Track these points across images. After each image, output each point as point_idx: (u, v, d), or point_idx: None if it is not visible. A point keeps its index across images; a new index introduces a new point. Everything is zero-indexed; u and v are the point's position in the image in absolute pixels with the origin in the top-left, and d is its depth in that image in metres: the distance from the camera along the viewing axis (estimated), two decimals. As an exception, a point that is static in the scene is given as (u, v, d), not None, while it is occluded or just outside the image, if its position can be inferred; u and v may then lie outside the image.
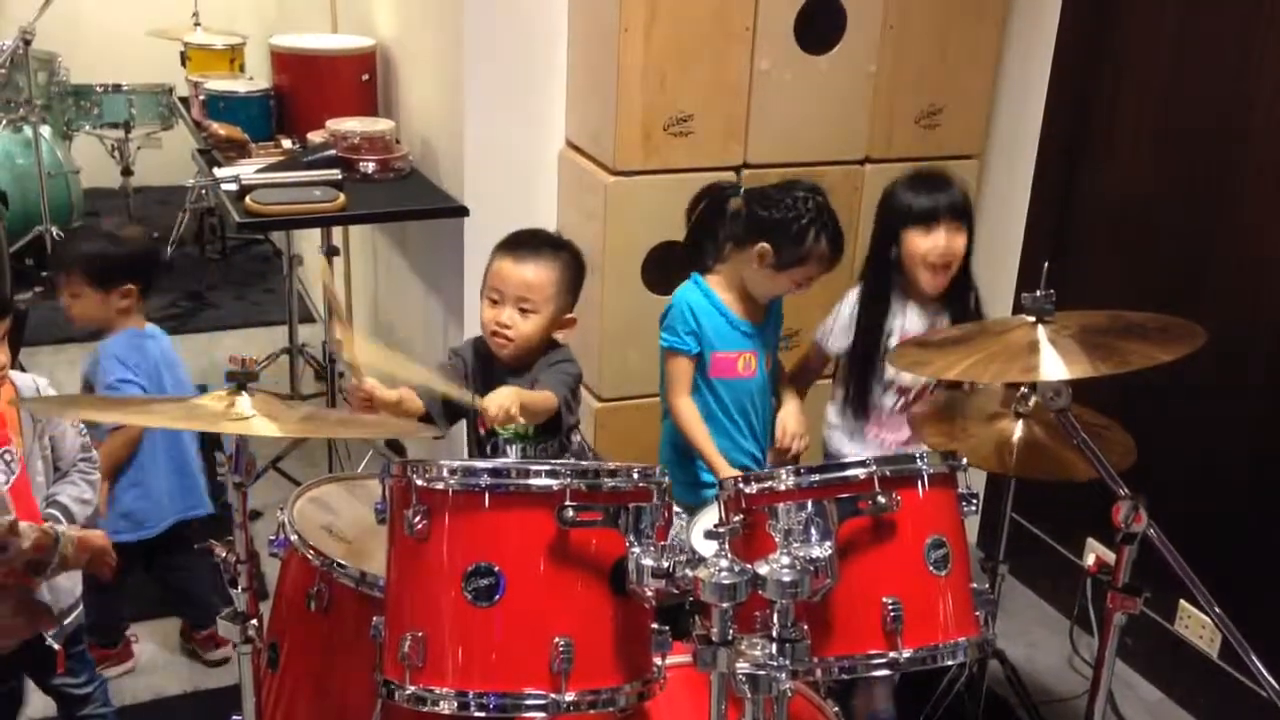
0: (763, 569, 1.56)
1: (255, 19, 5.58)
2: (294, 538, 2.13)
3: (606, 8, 2.94)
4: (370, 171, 3.48)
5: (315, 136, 3.63)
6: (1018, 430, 2.43)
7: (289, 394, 4.34)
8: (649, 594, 1.64)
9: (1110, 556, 2.06)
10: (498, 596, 1.63)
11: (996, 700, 2.97)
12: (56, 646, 2.30)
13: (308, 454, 3.87)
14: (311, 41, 4.01)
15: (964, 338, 2.11)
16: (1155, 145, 3.07)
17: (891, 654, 1.75)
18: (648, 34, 2.92)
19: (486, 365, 2.52)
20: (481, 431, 2.51)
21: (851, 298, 2.78)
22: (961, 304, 2.73)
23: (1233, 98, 2.84)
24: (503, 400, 2.29)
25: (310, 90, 3.83)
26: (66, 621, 2.33)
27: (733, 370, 2.67)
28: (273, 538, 2.20)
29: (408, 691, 1.65)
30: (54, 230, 5.09)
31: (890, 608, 1.74)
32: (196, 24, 5.17)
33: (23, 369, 2.54)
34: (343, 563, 2.04)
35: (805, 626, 1.62)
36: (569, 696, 1.62)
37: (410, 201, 3.40)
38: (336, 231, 4.02)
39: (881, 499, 1.74)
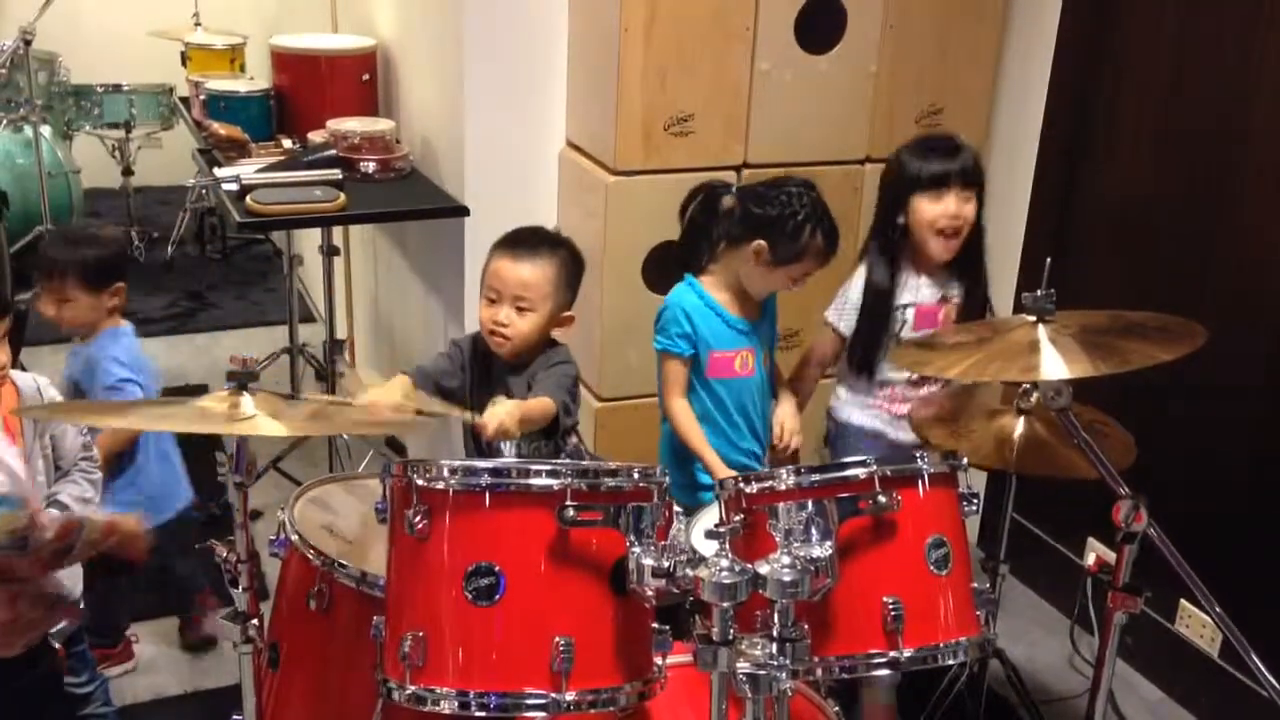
0: (763, 569, 1.56)
1: (255, 19, 5.58)
2: (294, 537, 2.13)
3: (606, 8, 2.95)
4: (370, 171, 3.48)
5: (315, 136, 3.63)
6: (1019, 426, 2.44)
7: (290, 394, 4.34)
8: (649, 594, 1.64)
9: (1111, 556, 2.06)
10: (498, 596, 1.63)
11: (997, 700, 2.97)
12: (56, 646, 2.29)
13: (308, 454, 3.88)
14: (312, 41, 4.01)
15: (964, 340, 2.11)
16: (1155, 145, 3.07)
17: (892, 653, 1.76)
18: (648, 34, 2.92)
19: (485, 361, 2.53)
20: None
21: (860, 277, 2.76)
22: (974, 273, 2.72)
23: (1233, 98, 2.84)
24: (501, 418, 2.29)
25: (310, 90, 3.83)
26: (65, 622, 2.33)
27: (730, 369, 2.67)
28: (273, 538, 2.20)
29: (408, 691, 1.65)
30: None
31: (891, 607, 1.74)
32: (197, 24, 5.18)
33: (23, 368, 2.54)
34: (343, 562, 2.04)
35: (806, 626, 1.62)
36: (569, 696, 1.62)
37: (410, 201, 3.40)
38: (337, 231, 4.03)
39: (882, 498, 1.74)
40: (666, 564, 1.61)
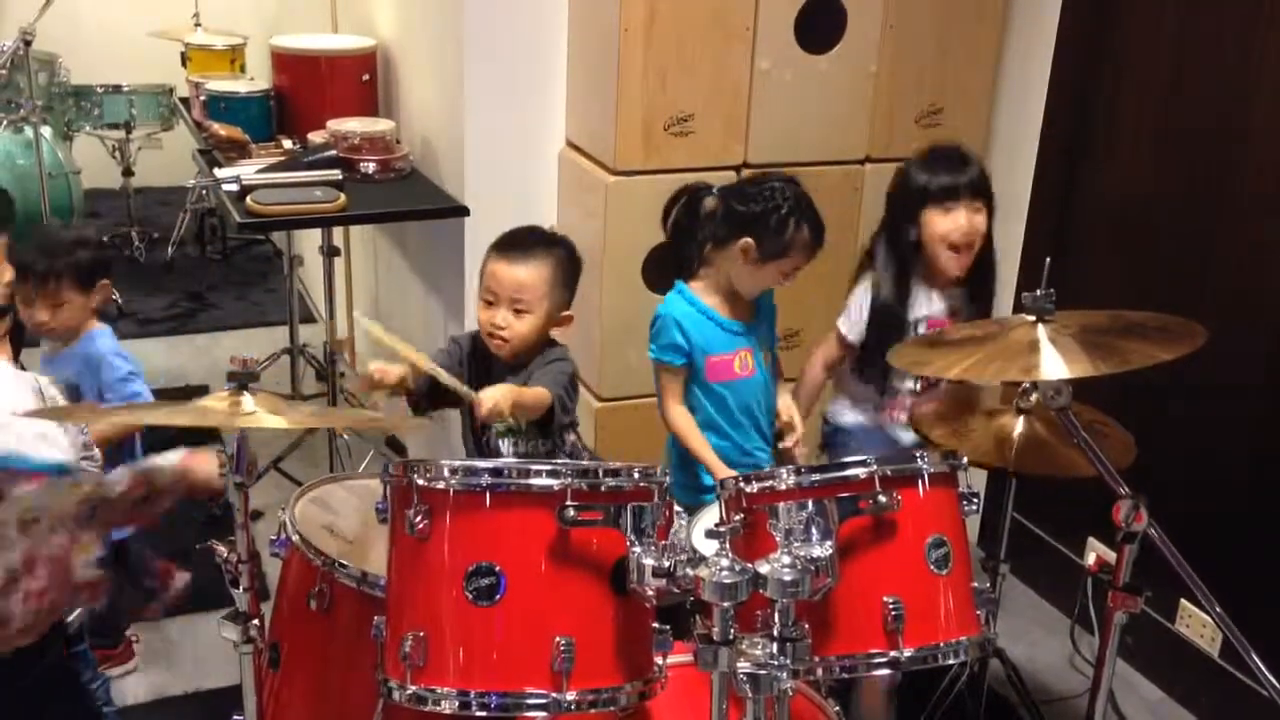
0: (764, 568, 1.56)
1: (255, 19, 5.58)
2: (295, 538, 2.13)
3: (606, 8, 2.95)
4: (371, 172, 3.48)
5: (316, 137, 3.63)
6: (1019, 426, 2.44)
7: (290, 394, 4.34)
8: (650, 593, 1.64)
9: (1111, 556, 2.07)
10: (499, 596, 1.63)
11: (997, 699, 2.97)
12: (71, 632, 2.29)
13: (308, 454, 3.88)
14: (312, 42, 4.01)
15: (964, 339, 2.11)
16: (1155, 145, 3.07)
17: (892, 653, 1.75)
18: (648, 34, 2.93)
19: (484, 361, 2.53)
20: (476, 424, 2.52)
21: (868, 288, 2.76)
22: (983, 282, 2.72)
23: (1233, 97, 2.84)
24: (496, 397, 2.30)
25: (311, 90, 3.83)
26: (68, 620, 2.32)
27: (730, 372, 2.67)
28: (274, 538, 2.20)
29: (409, 691, 1.65)
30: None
31: (891, 607, 1.74)
32: (197, 25, 5.17)
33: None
34: (344, 562, 2.04)
35: (806, 626, 1.62)
36: (570, 696, 1.62)
37: (410, 201, 3.40)
38: (337, 231, 4.02)
39: (882, 498, 1.74)
40: (667, 564, 1.61)
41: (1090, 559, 3.29)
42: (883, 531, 1.78)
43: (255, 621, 1.93)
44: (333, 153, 3.47)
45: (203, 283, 5.67)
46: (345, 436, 3.86)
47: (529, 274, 2.45)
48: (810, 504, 1.75)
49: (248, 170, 3.40)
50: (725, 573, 1.54)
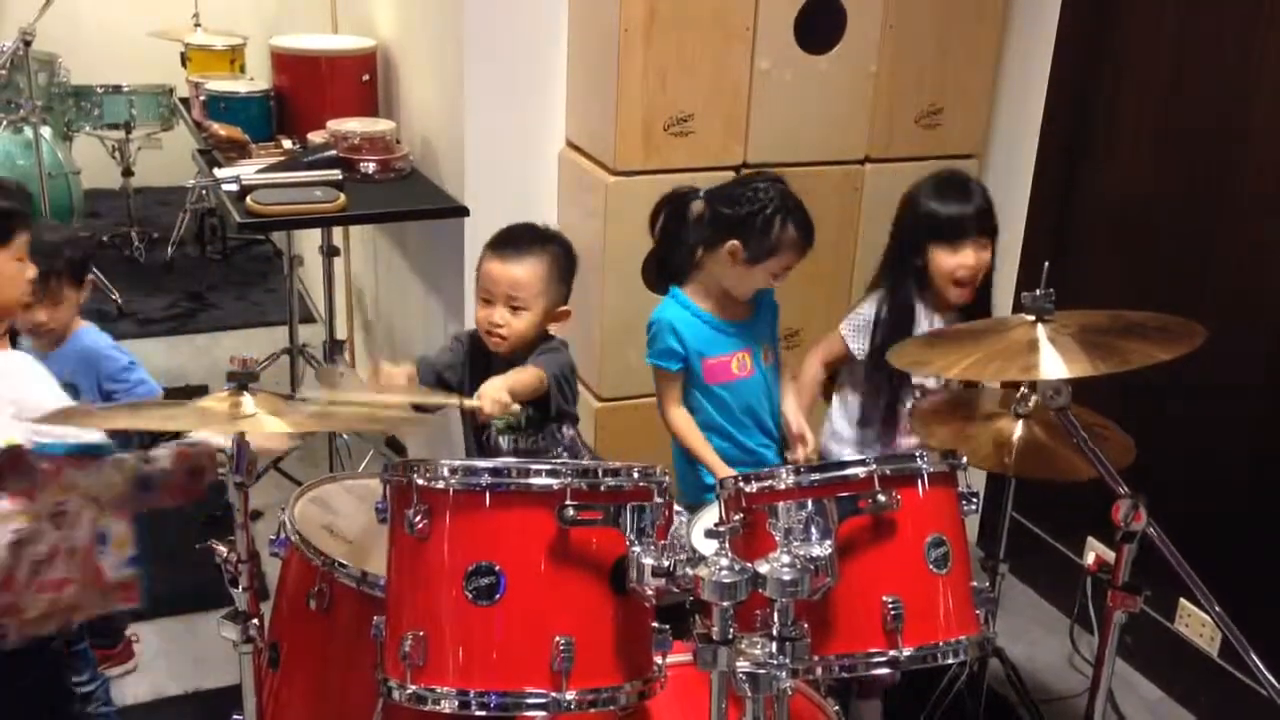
0: (763, 568, 1.56)
1: (255, 20, 5.58)
2: (295, 537, 2.14)
3: (606, 8, 2.95)
4: (370, 172, 3.48)
5: (316, 137, 3.63)
6: (1017, 430, 2.44)
7: (290, 394, 4.34)
8: (649, 593, 1.64)
9: (1110, 555, 2.07)
10: (498, 596, 1.63)
11: (997, 699, 2.97)
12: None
13: (308, 454, 3.88)
14: (312, 42, 4.01)
15: (964, 336, 2.11)
16: (1155, 145, 3.07)
17: (892, 652, 1.76)
18: (648, 34, 2.93)
19: (484, 359, 2.53)
20: (477, 422, 2.53)
21: (874, 300, 2.77)
22: (981, 306, 2.73)
23: (1233, 97, 2.85)
24: (493, 393, 2.31)
25: (310, 91, 3.83)
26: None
27: (728, 373, 2.67)
28: (273, 538, 2.20)
29: (408, 690, 1.66)
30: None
31: (890, 606, 1.74)
32: (197, 25, 5.17)
33: None
34: (344, 562, 2.04)
35: (805, 625, 1.62)
36: (570, 695, 1.62)
37: (410, 202, 3.40)
38: (337, 232, 4.03)
39: (881, 498, 1.74)
40: (666, 563, 1.62)
41: (1089, 558, 3.29)
42: (882, 531, 1.78)
43: (255, 621, 1.94)
44: (333, 153, 3.47)
45: (203, 283, 5.67)
46: (345, 436, 3.86)
47: (524, 271, 2.45)
48: (810, 503, 1.75)
49: (248, 170, 3.40)
50: (725, 572, 1.54)
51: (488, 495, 1.66)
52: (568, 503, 1.62)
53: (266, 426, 1.79)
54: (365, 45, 3.88)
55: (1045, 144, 3.39)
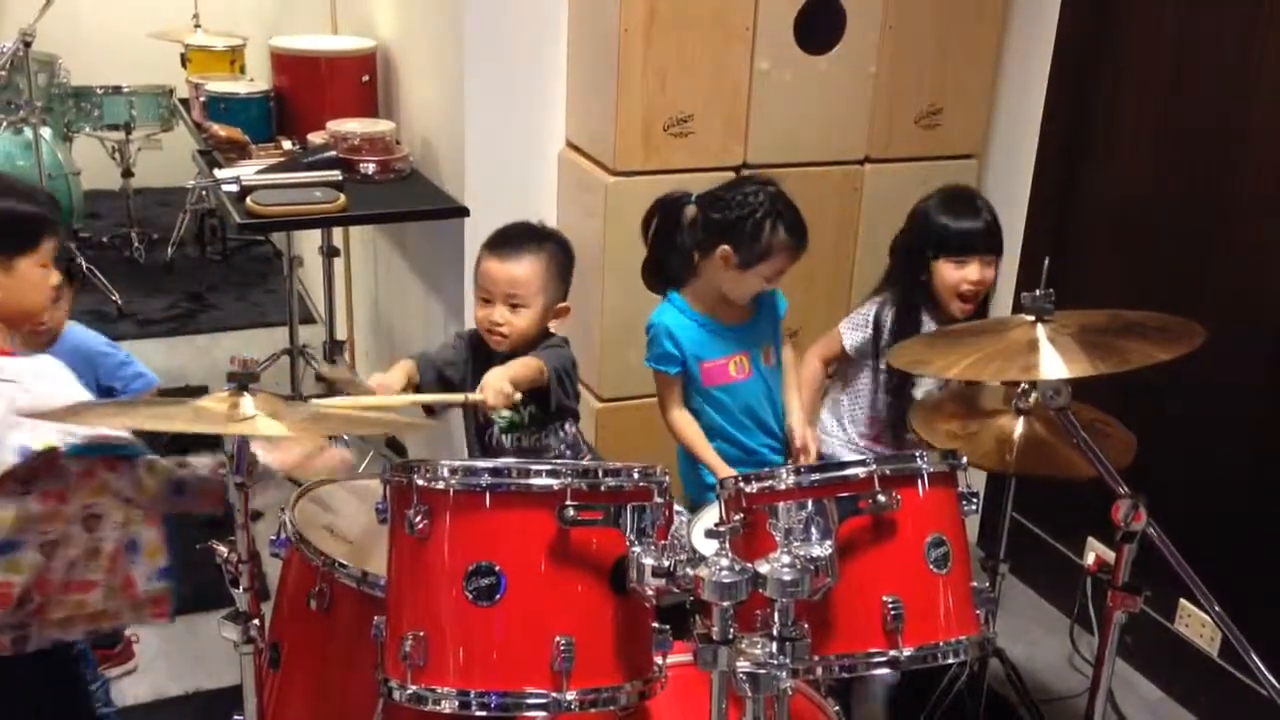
0: (763, 568, 1.56)
1: (255, 20, 5.58)
2: (295, 538, 2.14)
3: (606, 8, 2.95)
4: (370, 172, 3.48)
5: (315, 138, 3.63)
6: (1018, 427, 2.44)
7: (290, 394, 4.34)
8: (649, 593, 1.64)
9: (1110, 555, 2.07)
10: (498, 596, 1.63)
11: (997, 699, 2.97)
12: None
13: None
14: (312, 43, 4.01)
15: (964, 336, 2.11)
16: (1155, 145, 3.07)
17: (892, 652, 1.76)
18: (648, 34, 2.93)
19: (485, 358, 2.53)
20: (480, 420, 2.53)
21: (875, 303, 2.79)
22: (980, 317, 2.75)
23: (1233, 97, 2.85)
24: (495, 383, 2.32)
25: (310, 91, 3.83)
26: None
27: (726, 376, 2.67)
28: (274, 538, 2.20)
29: (409, 691, 1.66)
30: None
31: (890, 606, 1.74)
32: (197, 26, 5.17)
33: None
34: (344, 563, 2.04)
35: (806, 625, 1.62)
36: (570, 695, 1.62)
37: (410, 202, 3.40)
38: (337, 232, 4.03)
39: (881, 498, 1.74)
40: (667, 563, 1.62)
41: (1090, 558, 3.29)
42: (882, 531, 1.78)
43: (255, 621, 1.93)
44: (332, 153, 3.47)
45: (203, 283, 5.67)
46: (345, 437, 3.86)
47: (522, 270, 2.46)
48: (810, 503, 1.75)
49: (247, 171, 3.40)
50: (725, 572, 1.54)
51: (488, 495, 1.66)
52: (568, 503, 1.62)
53: (265, 430, 1.78)
54: (365, 46, 3.88)
55: (1045, 144, 3.39)
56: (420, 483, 1.68)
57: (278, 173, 3.38)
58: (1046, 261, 2.43)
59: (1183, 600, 3.06)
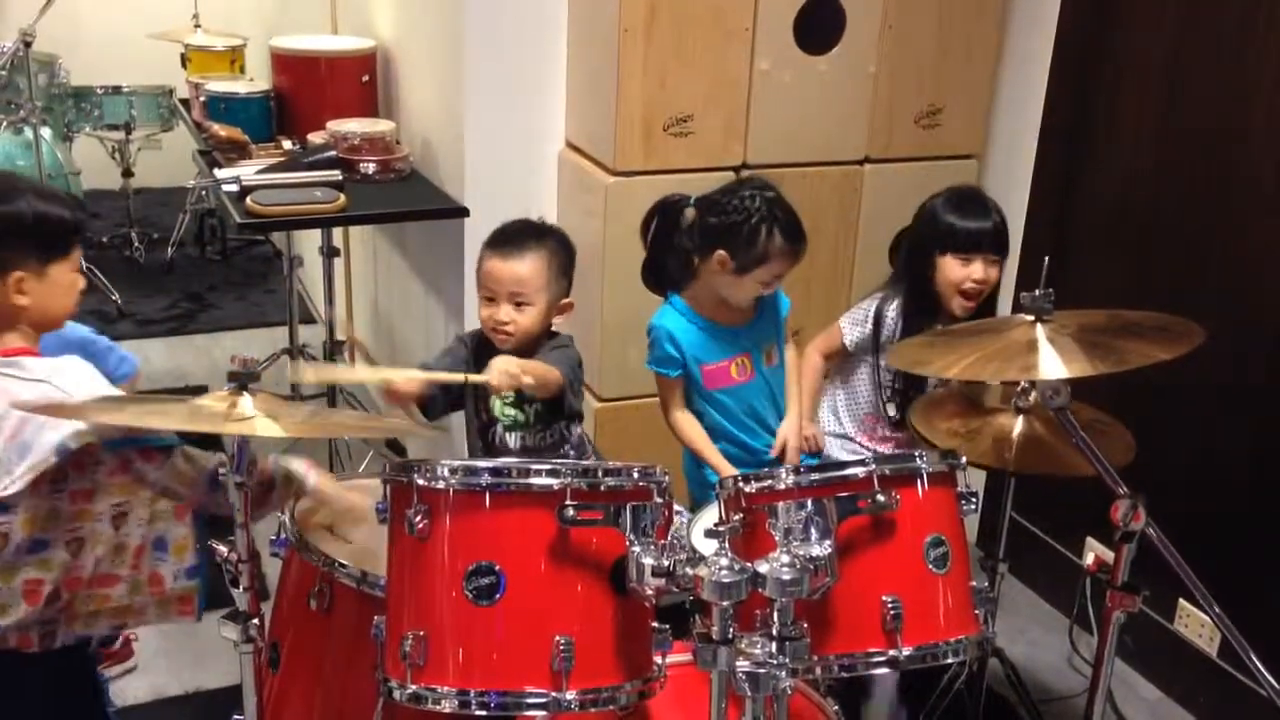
0: (763, 567, 1.56)
1: (255, 20, 5.58)
2: (295, 538, 2.14)
3: (606, 8, 2.95)
4: (371, 172, 3.48)
5: (315, 138, 3.63)
6: (1018, 425, 2.44)
7: (290, 395, 4.34)
8: (649, 593, 1.64)
9: (1109, 555, 2.07)
10: (498, 595, 1.63)
11: (996, 699, 2.97)
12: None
13: (308, 454, 3.86)
14: (312, 43, 4.01)
15: (963, 335, 2.11)
16: (1155, 145, 3.07)
17: (891, 652, 1.76)
18: (648, 34, 2.93)
19: (488, 359, 2.53)
20: (483, 419, 2.53)
21: (877, 299, 2.80)
22: (983, 317, 2.75)
23: (1233, 97, 2.85)
24: (502, 363, 2.32)
25: (310, 91, 3.83)
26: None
27: (727, 378, 2.68)
28: (274, 538, 2.20)
29: (409, 690, 1.66)
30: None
31: (890, 606, 1.75)
32: (197, 26, 5.17)
33: None
34: (344, 562, 2.04)
35: (805, 625, 1.62)
36: (570, 695, 1.62)
37: (410, 202, 3.40)
38: (337, 232, 4.03)
39: (881, 498, 1.74)
40: (666, 563, 1.62)
41: (1089, 558, 3.29)
42: (881, 531, 1.78)
43: (255, 621, 1.93)
44: (332, 153, 3.47)
45: (203, 283, 5.67)
46: (345, 437, 3.86)
47: (526, 267, 2.46)
48: (809, 503, 1.75)
49: (247, 171, 3.40)
50: (724, 572, 1.54)
51: (488, 495, 1.66)
52: (568, 503, 1.62)
53: (262, 430, 1.78)
54: (365, 46, 3.88)
55: (1045, 144, 3.39)
56: (420, 482, 1.68)
57: (278, 173, 3.38)
58: (1046, 261, 2.43)
59: (1182, 600, 3.06)
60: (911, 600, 1.77)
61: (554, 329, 2.57)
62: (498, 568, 1.63)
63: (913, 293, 2.75)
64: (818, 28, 3.10)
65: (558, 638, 1.62)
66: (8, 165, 5.03)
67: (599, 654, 1.66)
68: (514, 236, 2.52)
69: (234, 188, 3.26)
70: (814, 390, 2.88)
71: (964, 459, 1.90)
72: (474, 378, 2.35)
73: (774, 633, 1.59)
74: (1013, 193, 3.44)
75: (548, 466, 1.67)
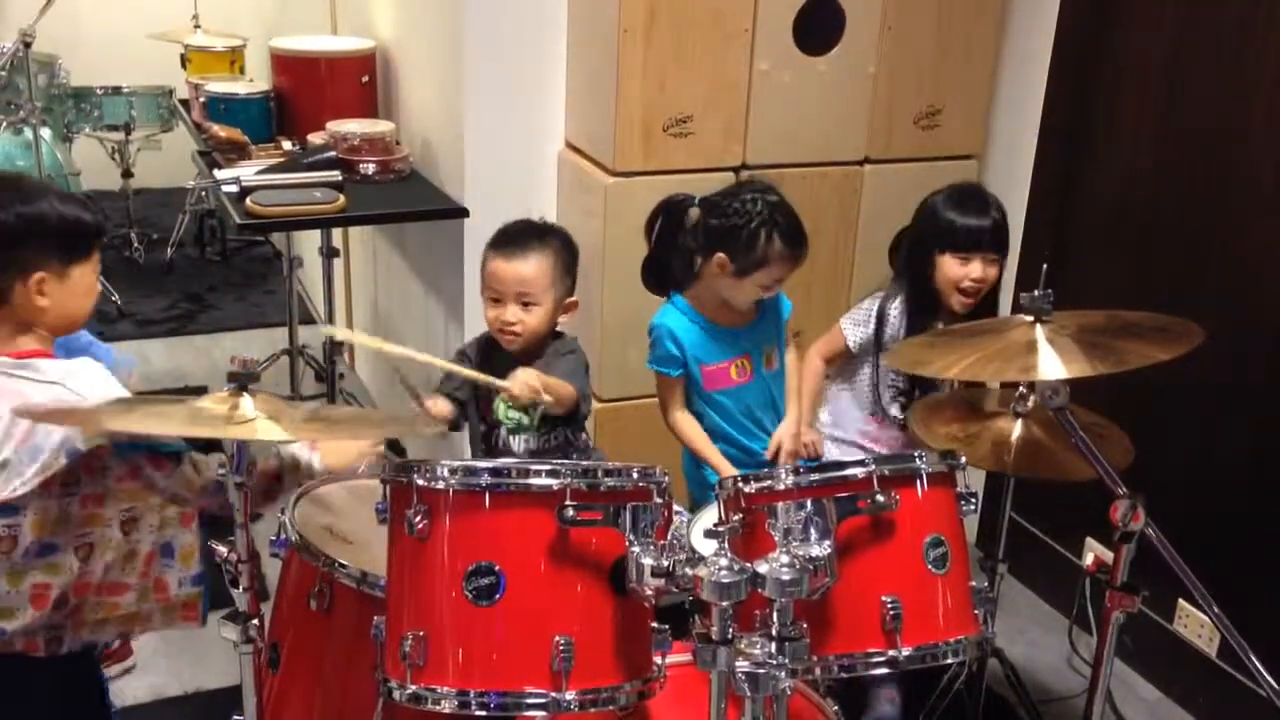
0: (762, 568, 1.56)
1: (255, 21, 5.59)
2: (295, 538, 2.14)
3: (606, 8, 2.95)
4: (370, 173, 3.49)
5: (315, 138, 3.64)
6: (1016, 430, 2.44)
7: (290, 395, 4.34)
8: (649, 593, 1.64)
9: (1109, 556, 2.07)
10: (498, 596, 1.63)
11: (995, 699, 2.97)
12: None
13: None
14: (311, 43, 4.01)
15: (962, 336, 2.11)
16: (1155, 145, 3.07)
17: (890, 652, 1.76)
18: (648, 34, 2.93)
19: (494, 362, 2.53)
20: (486, 424, 2.53)
21: (878, 298, 2.80)
22: (983, 317, 2.75)
23: (1232, 97, 2.85)
24: (525, 375, 2.34)
25: (310, 92, 3.83)
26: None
27: (727, 379, 2.68)
28: (273, 538, 2.20)
29: (408, 690, 1.66)
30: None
31: (889, 606, 1.75)
32: (196, 26, 5.18)
33: None
34: (344, 563, 2.04)
35: (804, 625, 1.62)
36: (569, 695, 1.62)
37: (410, 203, 3.40)
38: (336, 233, 4.03)
39: (880, 498, 1.74)
40: (666, 563, 1.62)
41: (1088, 559, 3.29)
42: (881, 531, 1.78)
43: (255, 621, 1.93)
44: (332, 154, 3.48)
45: (202, 284, 5.67)
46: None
47: (531, 268, 2.46)
48: (809, 504, 1.75)
49: (247, 171, 3.40)
50: (724, 572, 1.54)
51: (487, 496, 1.66)
52: (567, 503, 1.62)
53: (264, 433, 1.78)
54: (365, 46, 3.88)
55: (1044, 144, 3.39)
56: (420, 483, 1.68)
57: (277, 173, 3.38)
58: (1045, 263, 2.43)
59: (1181, 601, 3.06)
60: (911, 600, 1.77)
61: (558, 328, 2.57)
62: (497, 568, 1.63)
63: (913, 290, 2.75)
64: (817, 28, 3.10)
65: (557, 638, 1.62)
66: (7, 166, 5.03)
67: (599, 654, 1.66)
68: (518, 237, 2.52)
69: (234, 188, 3.26)
70: (813, 394, 2.88)
71: (963, 459, 1.90)
72: (498, 383, 2.36)
73: (773, 633, 1.59)
74: (1012, 193, 3.44)
75: (547, 467, 1.67)
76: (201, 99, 3.93)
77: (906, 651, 1.76)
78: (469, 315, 3.26)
